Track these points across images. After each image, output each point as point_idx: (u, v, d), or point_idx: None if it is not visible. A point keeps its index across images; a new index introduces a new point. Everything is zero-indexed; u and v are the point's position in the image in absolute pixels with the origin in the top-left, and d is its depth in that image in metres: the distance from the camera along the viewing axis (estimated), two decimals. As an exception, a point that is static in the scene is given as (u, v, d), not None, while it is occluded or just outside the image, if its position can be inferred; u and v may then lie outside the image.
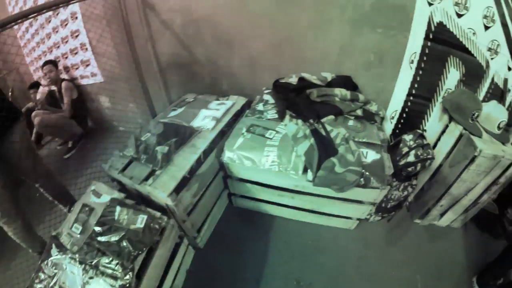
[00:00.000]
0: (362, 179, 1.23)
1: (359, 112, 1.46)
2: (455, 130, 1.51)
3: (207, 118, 1.39)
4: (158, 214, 1.19)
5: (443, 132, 1.60)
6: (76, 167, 1.92)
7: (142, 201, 1.34)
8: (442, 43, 1.52)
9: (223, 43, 1.65)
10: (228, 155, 1.25)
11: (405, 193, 1.57)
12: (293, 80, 1.50)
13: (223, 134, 1.38)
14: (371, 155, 1.29)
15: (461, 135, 1.48)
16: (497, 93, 1.67)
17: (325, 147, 1.22)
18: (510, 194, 1.76)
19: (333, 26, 1.47)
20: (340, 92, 1.45)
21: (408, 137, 1.48)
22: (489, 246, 1.78)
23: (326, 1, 1.44)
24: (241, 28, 1.58)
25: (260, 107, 1.49)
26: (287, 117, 1.33)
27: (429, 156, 1.51)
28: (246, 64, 1.73)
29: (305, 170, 1.22)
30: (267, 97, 1.52)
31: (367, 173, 1.23)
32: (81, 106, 2.25)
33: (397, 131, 1.71)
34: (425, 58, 1.53)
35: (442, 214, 1.75)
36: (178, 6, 1.63)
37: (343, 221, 1.51)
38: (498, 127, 1.53)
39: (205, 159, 1.29)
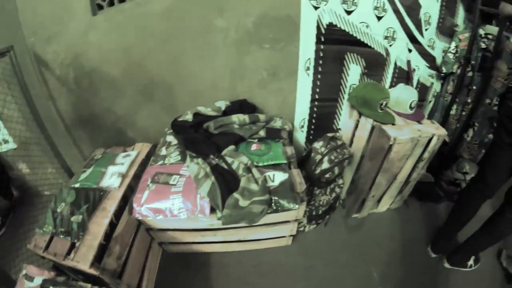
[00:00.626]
0: (273, 205, 1.36)
1: (262, 133, 1.61)
2: (366, 124, 1.67)
3: (114, 175, 1.51)
4: (88, 286, 1.31)
5: (356, 127, 1.75)
6: (10, 246, 1.98)
7: (77, 272, 1.45)
8: (335, 42, 1.67)
9: (116, 91, 1.80)
10: (138, 211, 1.38)
11: (334, 194, 1.73)
12: (189, 117, 1.63)
13: (132, 189, 1.49)
14: (278, 177, 1.44)
15: (373, 128, 1.63)
16: (402, 76, 1.85)
17: (227, 183, 1.36)
18: (440, 161, 1.94)
19: (219, 52, 1.62)
20: (237, 118, 1.59)
21: (318, 144, 1.63)
22: (434, 213, 1.99)
23: (207, 28, 1.59)
24: (130, 73, 1.72)
25: (163, 151, 1.62)
26: (188, 158, 1.45)
27: (345, 157, 1.65)
28: (142, 108, 1.89)
29: (213, 210, 1.35)
30: (170, 138, 1.64)
31: (275, 197, 1.37)
32: (1, 177, 2.30)
33: (311, 137, 1.87)
34: (321, 62, 1.69)
35: (378, 201, 1.92)
36: (68, 60, 1.74)
37: (277, 241, 1.68)
38: (411, 107, 1.68)
39: (118, 220, 1.42)
